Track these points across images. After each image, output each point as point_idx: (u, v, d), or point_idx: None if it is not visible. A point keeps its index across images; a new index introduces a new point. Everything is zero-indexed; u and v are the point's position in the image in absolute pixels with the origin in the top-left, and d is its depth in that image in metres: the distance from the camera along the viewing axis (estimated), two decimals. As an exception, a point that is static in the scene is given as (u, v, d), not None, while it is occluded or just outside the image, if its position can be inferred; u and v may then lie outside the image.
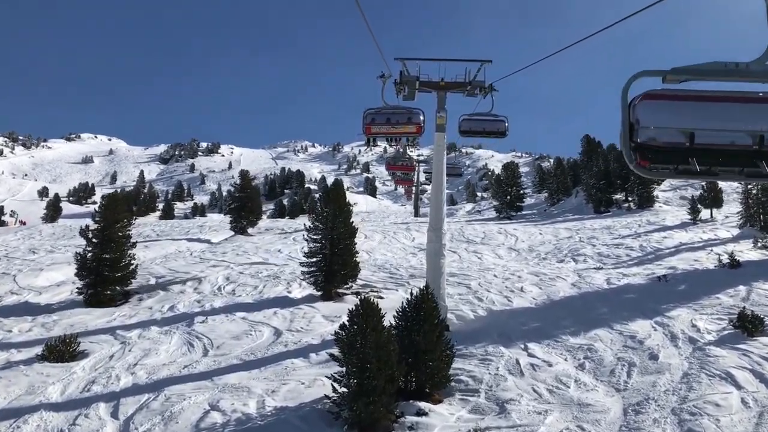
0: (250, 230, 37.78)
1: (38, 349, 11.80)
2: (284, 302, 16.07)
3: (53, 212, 71.87)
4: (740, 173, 3.26)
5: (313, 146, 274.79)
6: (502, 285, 17.24)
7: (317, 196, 66.51)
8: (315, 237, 16.98)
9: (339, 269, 16.68)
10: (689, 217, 28.99)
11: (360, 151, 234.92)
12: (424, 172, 54.11)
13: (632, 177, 39.24)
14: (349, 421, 7.92)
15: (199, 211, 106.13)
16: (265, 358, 11.51)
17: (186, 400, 9.21)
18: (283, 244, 29.36)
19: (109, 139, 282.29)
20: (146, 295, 17.78)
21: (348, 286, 17.23)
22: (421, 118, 12.66)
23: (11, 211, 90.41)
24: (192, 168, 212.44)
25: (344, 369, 8.16)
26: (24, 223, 67.38)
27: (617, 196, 41.27)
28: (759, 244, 19.28)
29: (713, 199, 30.89)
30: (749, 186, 24.05)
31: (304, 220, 45.87)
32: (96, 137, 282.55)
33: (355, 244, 17.79)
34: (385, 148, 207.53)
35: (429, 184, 31.77)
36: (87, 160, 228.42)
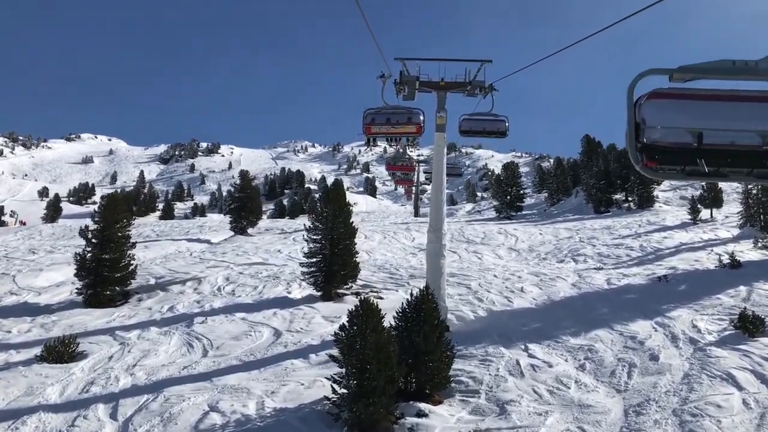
0: (250, 230, 37.75)
1: (37, 350, 11.76)
2: (284, 303, 16.04)
3: (53, 212, 71.85)
4: (749, 174, 3.19)
5: (313, 146, 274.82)
6: (503, 285, 17.21)
7: (317, 196, 66.54)
8: (315, 237, 16.95)
9: (339, 269, 16.64)
10: (689, 217, 28.97)
11: (360, 151, 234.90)
12: (424, 172, 54.10)
13: (632, 177, 39.20)
14: (349, 422, 7.89)
15: (199, 211, 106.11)
16: (264, 358, 11.48)
17: (185, 401, 9.17)
18: (282, 245, 29.33)
19: (109, 140, 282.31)
20: (146, 296, 17.75)
21: (348, 286, 17.19)
22: (421, 118, 12.64)
23: (11, 211, 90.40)
24: (192, 168, 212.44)
25: (344, 370, 8.12)
26: (24, 224, 67.36)
27: (617, 196, 41.25)
28: (759, 244, 19.26)
29: (713, 199, 30.87)
30: (749, 186, 24.01)
31: (304, 220, 45.87)
32: (96, 137, 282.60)
33: (355, 244, 17.76)
34: (385, 148, 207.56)
35: (429, 184, 31.76)
36: (87, 161, 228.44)
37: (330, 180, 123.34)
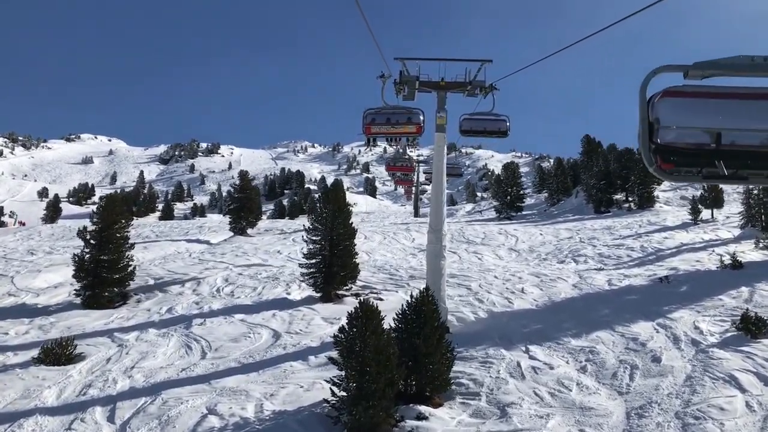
0: (249, 231, 37.69)
1: (35, 352, 11.71)
2: (283, 304, 15.97)
3: (53, 213, 71.77)
4: None
5: (313, 146, 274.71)
6: (503, 286, 17.13)
7: (317, 196, 66.49)
8: (314, 238, 16.87)
9: (338, 270, 16.57)
10: (690, 217, 28.88)
11: (360, 151, 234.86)
12: (424, 173, 54.02)
13: (632, 177, 39.15)
14: (349, 425, 7.81)
15: (198, 211, 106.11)
16: (263, 360, 11.40)
17: (183, 404, 9.10)
18: (282, 245, 29.26)
19: (109, 140, 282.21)
20: (144, 297, 17.69)
21: (347, 287, 17.11)
22: (421, 118, 12.58)
23: (10, 212, 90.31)
24: (192, 168, 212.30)
25: (343, 372, 8.05)
26: (23, 224, 67.31)
27: (617, 197, 41.17)
28: (761, 245, 19.18)
29: (714, 199, 30.79)
30: (750, 186, 23.94)
31: (303, 220, 45.81)
32: (96, 138, 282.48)
33: (355, 245, 17.68)
34: (385, 148, 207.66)
35: (429, 185, 31.69)
36: (87, 161, 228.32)
37: (330, 180, 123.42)
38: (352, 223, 17.55)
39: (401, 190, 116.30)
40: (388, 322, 8.88)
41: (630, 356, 10.41)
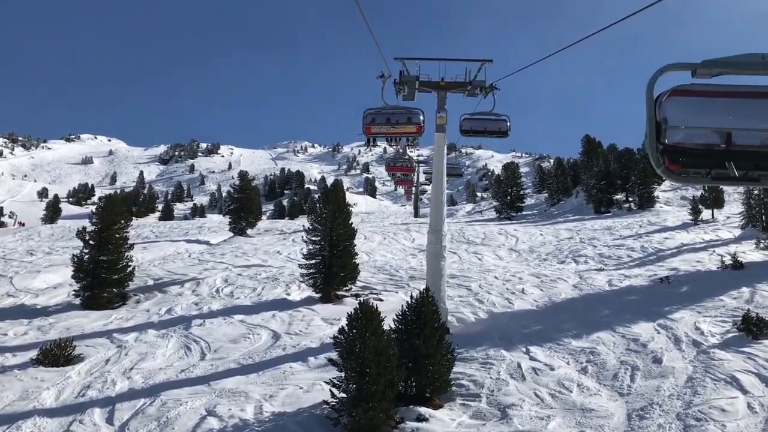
0: (249, 231, 37.63)
1: (33, 353, 11.67)
2: (283, 305, 15.92)
3: (52, 213, 71.79)
4: None
5: (313, 146, 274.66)
6: (503, 287, 17.09)
7: (317, 196, 66.45)
8: (314, 238, 16.83)
9: (338, 271, 16.52)
10: (690, 217, 28.84)
11: (360, 151, 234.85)
12: (424, 173, 53.97)
13: (633, 177, 39.12)
14: (349, 427, 7.77)
15: (198, 211, 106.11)
16: (263, 361, 11.37)
17: (182, 406, 9.06)
18: (282, 246, 29.22)
19: (109, 140, 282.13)
20: (144, 298, 17.65)
21: (347, 288, 17.06)
22: (421, 118, 12.55)
23: (10, 212, 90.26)
24: (192, 169, 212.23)
25: (343, 374, 8.01)
26: (23, 224, 67.27)
27: (618, 197, 41.12)
28: (761, 245, 19.13)
29: (714, 199, 30.75)
30: (755, 187, 23.90)
31: (303, 221, 45.76)
32: (96, 138, 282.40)
33: (355, 245, 17.64)
34: (385, 148, 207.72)
35: (429, 185, 31.64)
36: (87, 161, 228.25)
37: (330, 180, 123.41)
38: (351, 223, 17.51)
39: (401, 190, 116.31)
40: (388, 323, 8.84)
41: (631, 357, 10.37)
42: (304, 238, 17.30)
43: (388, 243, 29.65)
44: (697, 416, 7.89)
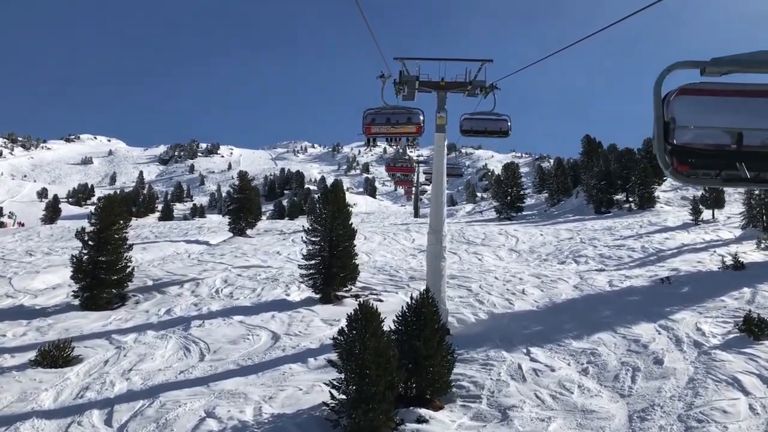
0: (249, 231, 37.57)
1: (32, 354, 11.62)
2: (282, 305, 15.87)
3: (52, 213, 71.72)
4: None
5: (313, 147, 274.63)
6: (503, 287, 17.05)
7: (317, 197, 66.41)
8: (314, 239, 16.78)
9: (338, 271, 16.47)
10: (691, 217, 28.80)
11: (360, 151, 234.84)
12: (424, 173, 53.96)
13: (633, 177, 39.08)
14: (348, 428, 7.73)
15: (198, 212, 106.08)
16: (262, 363, 11.32)
17: (181, 407, 9.02)
18: (281, 246, 29.17)
19: (109, 140, 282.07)
20: (143, 298, 17.60)
21: (347, 288, 17.02)
22: (421, 118, 12.53)
23: (9, 212, 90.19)
24: (191, 169, 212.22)
25: (343, 375, 7.97)
26: (22, 225, 67.22)
27: (618, 197, 41.08)
28: (762, 245, 19.09)
29: (715, 199, 30.71)
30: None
31: (303, 221, 45.70)
32: (95, 138, 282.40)
33: (355, 245, 17.60)
34: (385, 148, 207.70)
35: (429, 185, 31.59)
36: (86, 161, 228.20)
37: (330, 180, 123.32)
38: (351, 223, 17.46)
39: (401, 190, 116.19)
40: (388, 324, 8.80)
41: (632, 358, 10.33)
42: (304, 238, 17.26)
43: (388, 243, 29.61)
44: (699, 418, 7.86)
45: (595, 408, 8.49)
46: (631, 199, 40.03)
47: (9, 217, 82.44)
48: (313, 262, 16.60)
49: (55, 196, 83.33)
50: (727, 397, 8.40)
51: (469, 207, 70.73)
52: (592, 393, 9.05)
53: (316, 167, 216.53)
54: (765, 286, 14.23)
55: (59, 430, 8.50)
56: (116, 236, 17.75)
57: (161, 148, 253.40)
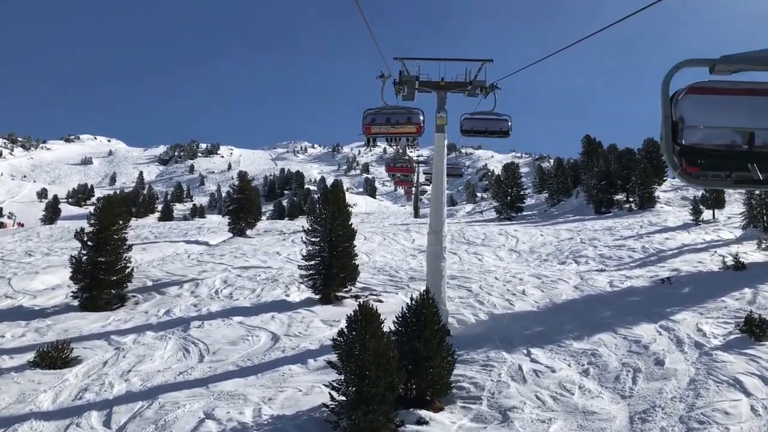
0: (248, 232, 37.53)
1: (31, 355, 11.58)
2: (282, 306, 15.83)
3: (52, 214, 71.68)
4: None
5: (313, 147, 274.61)
6: (504, 288, 17.01)
7: (316, 197, 66.39)
8: (313, 239, 16.75)
9: (338, 272, 16.44)
10: (691, 217, 28.77)
11: (360, 151, 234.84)
12: (424, 173, 53.93)
13: (633, 177, 39.05)
14: (348, 430, 7.69)
15: (198, 212, 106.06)
16: (262, 364, 11.28)
17: (180, 408, 8.98)
18: (281, 246, 29.13)
19: (109, 140, 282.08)
20: (142, 299, 17.56)
21: (347, 289, 16.98)
22: (421, 118, 12.50)
23: (9, 212, 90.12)
24: (191, 169, 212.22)
25: (343, 376, 7.94)
26: (22, 225, 67.17)
27: (618, 197, 41.05)
28: (763, 246, 19.06)
29: (715, 199, 30.68)
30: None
31: (303, 221, 45.66)
32: (95, 138, 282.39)
33: (354, 246, 17.56)
34: (385, 148, 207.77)
35: (429, 185, 31.57)
36: (86, 162, 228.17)
37: (329, 181, 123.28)
38: (351, 224, 17.43)
39: (401, 190, 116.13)
40: (388, 325, 8.77)
41: (633, 359, 10.30)
42: (304, 238, 17.22)
43: (388, 244, 29.57)
44: (700, 419, 7.82)
45: (596, 409, 8.45)
46: (631, 199, 40.01)
47: (8, 218, 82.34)
48: (312, 262, 16.56)
49: (55, 197, 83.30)
50: (729, 399, 8.37)
51: (469, 207, 70.70)
52: (593, 394, 9.02)
53: (316, 167, 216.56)
54: (766, 287, 14.19)
55: (58, 432, 8.46)
56: (116, 237, 17.71)
57: (161, 149, 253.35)
